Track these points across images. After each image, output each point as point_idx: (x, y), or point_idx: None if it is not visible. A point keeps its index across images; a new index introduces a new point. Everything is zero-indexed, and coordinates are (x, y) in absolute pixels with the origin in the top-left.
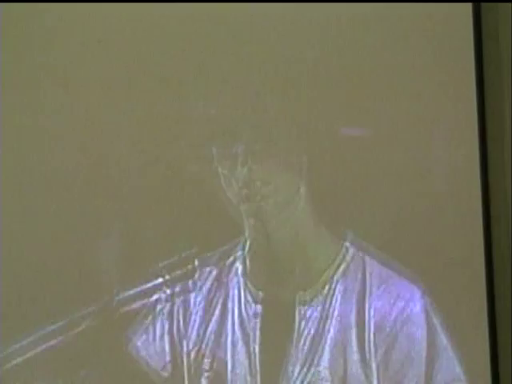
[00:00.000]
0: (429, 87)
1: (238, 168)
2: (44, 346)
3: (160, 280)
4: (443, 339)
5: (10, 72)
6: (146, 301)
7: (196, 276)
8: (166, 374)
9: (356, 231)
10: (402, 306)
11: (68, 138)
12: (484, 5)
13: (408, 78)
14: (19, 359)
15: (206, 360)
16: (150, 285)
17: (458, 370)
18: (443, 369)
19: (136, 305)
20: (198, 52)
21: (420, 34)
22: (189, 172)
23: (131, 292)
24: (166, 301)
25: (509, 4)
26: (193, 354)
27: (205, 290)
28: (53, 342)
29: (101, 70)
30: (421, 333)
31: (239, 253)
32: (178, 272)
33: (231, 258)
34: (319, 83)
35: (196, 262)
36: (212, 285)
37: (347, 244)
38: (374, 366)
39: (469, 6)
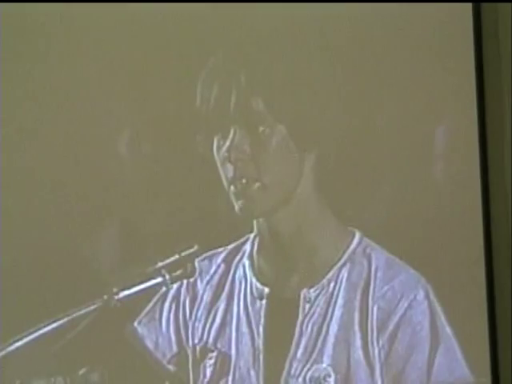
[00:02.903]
0: (429, 87)
1: (226, 165)
2: (44, 344)
3: (159, 279)
4: (447, 333)
5: (10, 71)
6: (149, 298)
7: (194, 274)
8: (171, 367)
9: (361, 229)
10: (406, 305)
11: (67, 136)
12: (484, 5)
13: (408, 78)
14: (19, 357)
15: (210, 355)
16: (148, 284)
17: (461, 360)
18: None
19: (137, 303)
20: (194, 50)
21: (420, 34)
22: (187, 171)
23: (131, 291)
24: (171, 297)
25: (509, 4)
26: (198, 349)
27: (212, 285)
28: (53, 340)
29: (100, 69)
30: (424, 332)
31: (248, 249)
32: (177, 271)
33: (239, 255)
34: (321, 82)
35: (195, 261)
36: (219, 281)
37: (353, 242)
38: (377, 364)
39: (469, 6)
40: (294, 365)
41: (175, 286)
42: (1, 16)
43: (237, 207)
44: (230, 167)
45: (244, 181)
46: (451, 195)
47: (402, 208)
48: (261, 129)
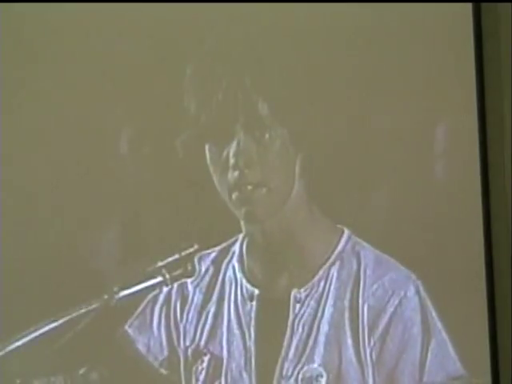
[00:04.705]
0: (429, 87)
1: (228, 171)
2: (44, 344)
3: (159, 278)
4: (438, 328)
5: (10, 72)
6: (144, 299)
7: (194, 274)
8: (163, 370)
9: (352, 228)
10: (397, 302)
11: (67, 135)
12: (484, 5)
13: (408, 78)
14: (19, 356)
15: (202, 357)
16: (148, 283)
17: (453, 355)
18: (437, 353)
19: (135, 303)
20: (192, 53)
21: (420, 33)
22: (188, 170)
23: (131, 290)
24: (165, 299)
25: (509, 4)
26: (189, 351)
27: (202, 287)
28: (53, 340)
29: (100, 70)
30: (416, 328)
31: (237, 250)
32: (177, 270)
33: (229, 256)
34: (320, 82)
35: (195, 260)
36: (209, 282)
37: (342, 240)
38: (369, 362)
39: (469, 6)
40: (286, 365)
41: (167, 288)
42: (1, 16)
43: (241, 213)
44: (234, 173)
45: (250, 187)
46: (451, 195)
47: (401, 208)
48: (265, 133)
